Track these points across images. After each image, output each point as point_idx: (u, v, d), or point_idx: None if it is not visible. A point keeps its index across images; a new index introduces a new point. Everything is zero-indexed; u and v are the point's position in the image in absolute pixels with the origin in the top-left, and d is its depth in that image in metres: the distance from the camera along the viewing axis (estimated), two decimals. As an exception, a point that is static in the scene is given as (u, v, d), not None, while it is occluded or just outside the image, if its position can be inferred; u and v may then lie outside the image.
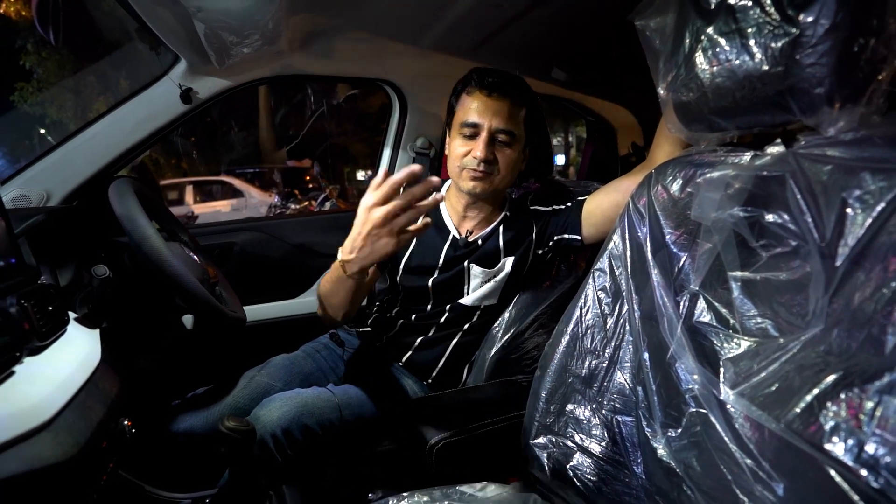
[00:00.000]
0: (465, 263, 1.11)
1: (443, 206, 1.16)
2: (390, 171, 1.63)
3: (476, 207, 1.12)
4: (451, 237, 1.13)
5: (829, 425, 0.49)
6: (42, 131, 9.21)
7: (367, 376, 1.11)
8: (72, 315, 0.83)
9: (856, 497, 0.45)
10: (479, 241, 1.12)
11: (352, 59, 1.42)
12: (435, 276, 1.12)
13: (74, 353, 0.75)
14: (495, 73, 1.04)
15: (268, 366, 1.12)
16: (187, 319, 1.30)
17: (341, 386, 1.05)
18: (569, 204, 1.10)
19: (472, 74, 1.05)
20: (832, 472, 0.47)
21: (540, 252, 1.13)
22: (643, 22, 0.75)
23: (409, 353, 1.16)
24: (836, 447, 0.47)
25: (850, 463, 0.46)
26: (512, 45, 1.45)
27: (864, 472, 0.45)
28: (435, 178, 0.77)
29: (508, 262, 1.11)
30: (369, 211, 0.77)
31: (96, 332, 0.86)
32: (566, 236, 1.10)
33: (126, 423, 0.78)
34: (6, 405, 0.54)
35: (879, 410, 0.46)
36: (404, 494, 0.77)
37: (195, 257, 1.08)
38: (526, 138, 1.08)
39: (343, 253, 0.85)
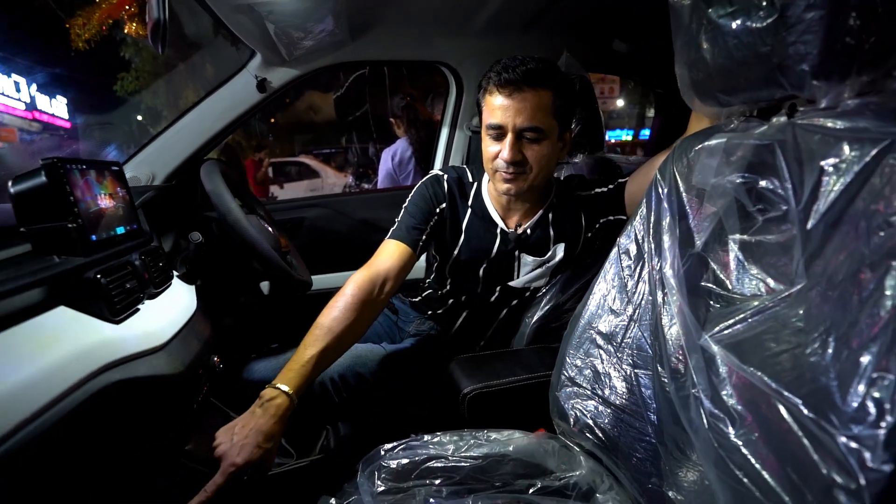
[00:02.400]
0: (517, 253, 1.19)
1: (487, 200, 1.21)
2: (448, 149, 1.73)
3: (519, 200, 1.18)
4: (499, 230, 1.19)
5: (793, 374, 0.58)
6: (139, 117, 10.48)
7: (417, 340, 1.30)
8: (175, 273, 1.09)
9: (801, 433, 0.54)
10: (529, 231, 1.19)
11: (407, 43, 1.58)
12: (485, 265, 1.21)
13: (178, 301, 0.99)
14: (513, 66, 1.03)
15: None
16: (264, 286, 1.57)
17: (393, 345, 1.24)
18: (611, 186, 1.16)
19: (492, 72, 1.06)
20: (785, 414, 0.56)
21: (590, 235, 1.20)
22: None
23: (458, 323, 1.31)
24: (796, 392, 0.57)
25: (802, 406, 0.55)
26: (566, 18, 1.53)
27: (816, 416, 0.54)
28: None
29: (560, 248, 1.19)
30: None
31: (192, 287, 1.11)
32: (611, 217, 1.17)
33: (216, 359, 1.02)
34: (137, 329, 0.77)
35: (835, 362, 0.54)
36: (438, 433, 0.94)
37: (270, 229, 1.31)
38: (560, 126, 1.09)
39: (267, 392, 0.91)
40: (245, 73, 1.47)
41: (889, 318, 0.50)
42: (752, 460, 0.60)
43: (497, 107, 1.05)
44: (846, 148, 0.58)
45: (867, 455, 0.48)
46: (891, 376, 0.48)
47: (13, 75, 7.64)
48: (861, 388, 0.50)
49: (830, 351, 0.55)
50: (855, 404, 0.50)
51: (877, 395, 0.49)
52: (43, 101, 8.30)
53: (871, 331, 0.51)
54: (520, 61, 1.04)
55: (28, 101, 7.96)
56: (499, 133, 1.07)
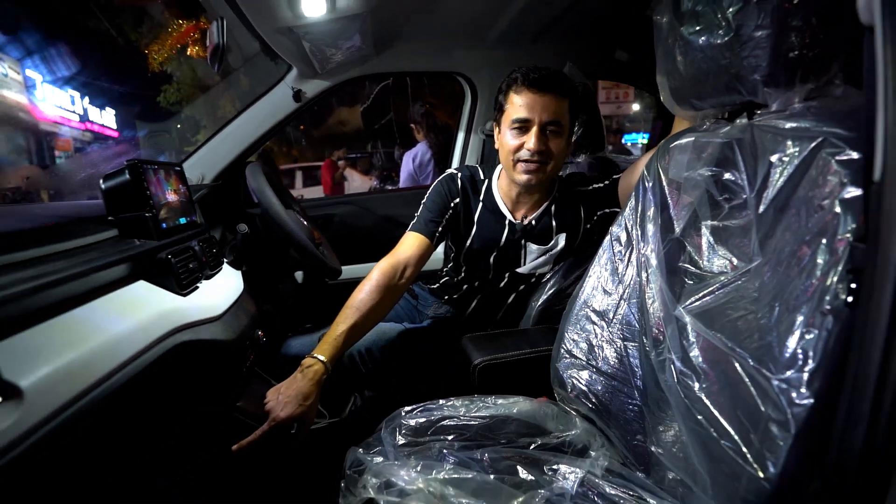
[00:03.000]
0: (523, 242, 1.29)
1: (497, 195, 1.31)
2: (464, 151, 1.84)
3: (528, 194, 1.27)
4: (507, 222, 1.29)
5: (746, 335, 0.67)
6: (178, 126, 10.90)
7: (434, 322, 1.40)
8: (224, 260, 1.22)
9: (748, 382, 0.63)
10: (534, 222, 1.28)
11: (427, 56, 1.70)
12: (495, 253, 1.31)
13: (228, 282, 1.12)
14: (538, 70, 1.15)
15: None
16: (299, 275, 1.70)
17: (413, 325, 1.36)
18: (606, 182, 1.26)
19: (517, 74, 1.17)
20: (738, 367, 0.65)
21: (588, 226, 1.29)
22: (657, 17, 0.92)
23: (472, 307, 1.41)
24: (746, 349, 0.66)
25: (750, 360, 0.64)
26: (572, 31, 1.62)
27: (759, 366, 0.63)
28: None
29: (562, 238, 1.28)
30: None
31: (239, 272, 1.24)
32: (607, 210, 1.27)
33: (260, 333, 1.15)
34: (198, 302, 0.90)
35: (778, 323, 0.63)
36: (451, 398, 1.04)
37: (304, 222, 1.44)
38: (570, 127, 1.21)
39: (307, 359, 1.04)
40: (283, 85, 1.60)
41: (818, 285, 0.59)
42: (711, 408, 0.69)
43: (524, 103, 1.16)
44: (790, 144, 0.67)
45: (794, 394, 0.57)
46: (815, 331, 0.57)
47: (68, 89, 8.08)
48: (793, 341, 0.59)
49: (776, 314, 0.64)
50: (787, 355, 0.59)
51: (804, 346, 0.58)
52: (94, 113, 8.75)
53: (805, 295, 0.60)
54: (544, 68, 1.16)
55: (81, 112, 8.41)
56: (523, 126, 1.17)
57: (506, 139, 1.21)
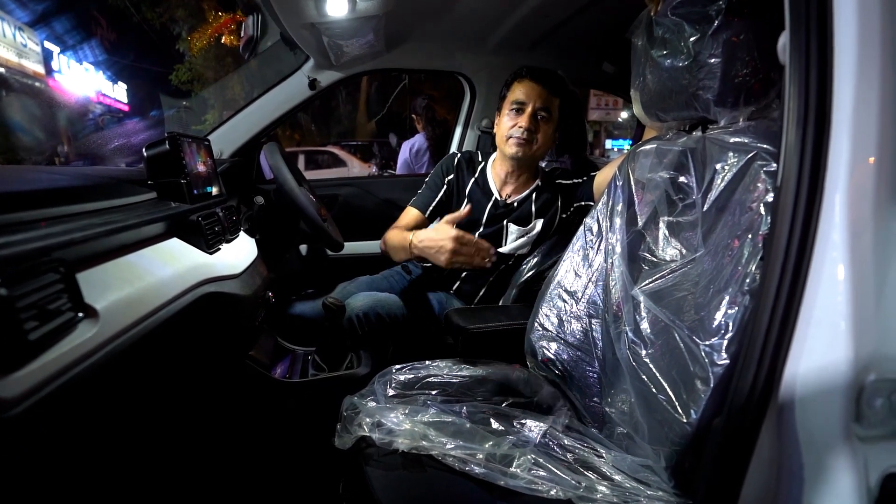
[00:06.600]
0: (504, 222, 1.40)
1: (489, 173, 1.45)
2: (461, 145, 1.97)
3: (515, 175, 1.40)
4: (493, 198, 1.42)
5: (686, 311, 0.77)
6: (185, 103, 10.79)
7: (425, 295, 1.50)
8: (241, 228, 1.30)
9: (683, 348, 0.74)
10: (516, 204, 1.41)
11: (433, 56, 1.78)
12: (480, 230, 1.42)
13: (245, 247, 1.19)
14: (541, 68, 1.34)
15: (355, 281, 1.55)
16: (303, 248, 1.78)
17: (406, 297, 1.45)
18: (584, 178, 1.37)
19: (523, 68, 1.36)
20: (676, 336, 0.76)
21: (564, 216, 1.40)
22: (634, 40, 1.02)
23: (458, 283, 1.51)
24: (684, 322, 0.76)
25: (686, 331, 0.74)
26: (565, 43, 1.71)
27: (692, 335, 0.73)
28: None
29: (539, 223, 1.40)
30: (451, 240, 1.17)
31: (253, 240, 1.32)
32: (583, 203, 1.37)
33: (269, 294, 1.23)
34: (222, 260, 0.98)
35: (710, 301, 0.73)
36: (437, 360, 1.14)
37: (313, 199, 1.52)
38: (558, 122, 1.36)
39: (416, 239, 1.24)
40: (299, 73, 1.67)
41: (742, 271, 0.69)
42: (653, 369, 0.79)
43: (524, 89, 1.33)
44: (731, 155, 0.77)
45: (715, 356, 0.67)
46: (736, 307, 0.68)
47: (84, 63, 7.98)
48: (719, 316, 0.70)
49: (709, 295, 0.74)
50: (714, 326, 0.70)
51: (726, 319, 0.68)
52: (107, 87, 8.67)
53: (732, 279, 0.71)
54: (544, 69, 1.35)
55: (96, 86, 8.33)
56: (520, 108, 1.33)
57: (503, 121, 1.37)
